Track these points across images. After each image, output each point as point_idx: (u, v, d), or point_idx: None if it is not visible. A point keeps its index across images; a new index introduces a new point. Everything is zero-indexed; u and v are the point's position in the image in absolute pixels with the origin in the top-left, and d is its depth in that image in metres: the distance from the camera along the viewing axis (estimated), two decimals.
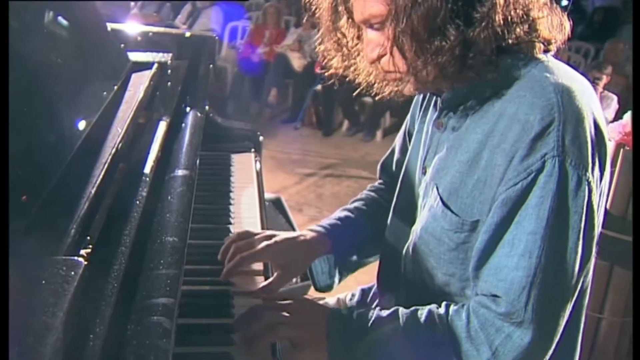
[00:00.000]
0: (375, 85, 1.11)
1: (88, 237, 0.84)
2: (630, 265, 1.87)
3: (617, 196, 1.90)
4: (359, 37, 1.10)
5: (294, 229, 2.62)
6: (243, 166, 1.87)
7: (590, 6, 7.54)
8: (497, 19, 0.93)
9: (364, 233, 1.32)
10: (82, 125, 1.03)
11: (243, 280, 1.26)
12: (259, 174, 1.84)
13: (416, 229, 1.14)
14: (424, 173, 1.15)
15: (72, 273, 0.69)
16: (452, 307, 1.01)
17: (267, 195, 2.08)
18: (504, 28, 0.94)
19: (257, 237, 1.26)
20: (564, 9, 1.04)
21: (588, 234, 0.94)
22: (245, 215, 1.57)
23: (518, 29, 0.96)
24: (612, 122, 2.40)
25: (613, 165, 1.90)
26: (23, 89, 0.89)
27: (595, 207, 0.95)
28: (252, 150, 1.98)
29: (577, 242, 0.93)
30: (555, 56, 1.05)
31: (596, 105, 1.00)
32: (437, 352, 0.98)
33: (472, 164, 1.01)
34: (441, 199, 1.06)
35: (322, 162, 5.30)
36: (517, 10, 0.95)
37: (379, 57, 1.03)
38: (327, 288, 1.34)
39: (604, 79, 4.76)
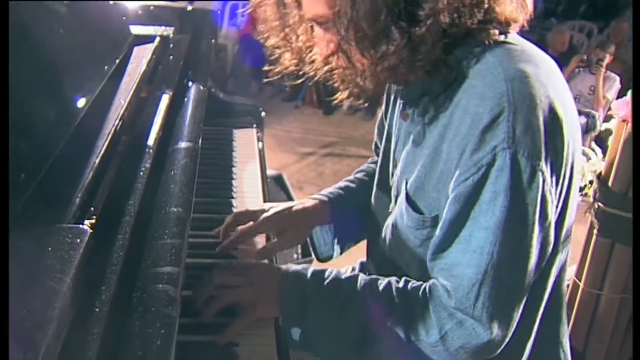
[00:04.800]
0: (336, 83, 1.05)
1: (92, 208, 0.84)
2: (631, 241, 1.87)
3: (619, 173, 1.89)
4: (312, 30, 1.06)
5: None
6: (245, 141, 1.87)
7: None
8: (443, 15, 0.89)
9: (364, 203, 1.31)
10: (85, 97, 1.02)
11: (245, 253, 1.26)
12: (261, 150, 1.84)
13: (388, 223, 1.13)
14: (395, 166, 1.14)
15: (78, 240, 0.70)
16: (411, 284, 1.00)
17: (269, 171, 2.08)
18: (452, 23, 0.90)
19: (256, 211, 1.26)
20: None
21: (544, 223, 0.92)
22: (247, 190, 1.58)
23: (469, 21, 0.91)
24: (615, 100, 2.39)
25: (616, 141, 1.90)
26: (25, 62, 0.88)
27: (548, 196, 0.91)
28: (254, 125, 1.97)
29: (532, 234, 0.91)
30: (520, 33, 1.01)
31: (557, 87, 0.95)
32: (389, 323, 0.97)
33: (434, 157, 0.98)
34: (407, 195, 1.04)
35: (323, 140, 5.30)
36: (466, 2, 0.90)
37: (330, 55, 1.00)
38: (328, 258, 1.35)
39: (607, 59, 4.73)
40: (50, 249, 0.67)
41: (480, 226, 0.90)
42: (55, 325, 0.57)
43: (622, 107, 1.84)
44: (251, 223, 1.24)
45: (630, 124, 1.82)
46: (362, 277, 1.02)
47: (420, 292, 0.98)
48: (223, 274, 1.06)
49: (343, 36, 0.92)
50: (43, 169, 0.78)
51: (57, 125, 0.90)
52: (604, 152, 2.02)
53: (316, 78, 1.08)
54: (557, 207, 0.95)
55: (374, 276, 1.03)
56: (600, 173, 1.99)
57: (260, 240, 1.32)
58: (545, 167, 0.89)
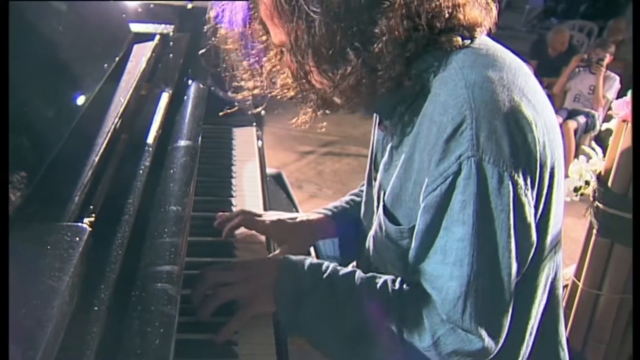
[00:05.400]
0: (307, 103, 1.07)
1: (91, 206, 0.84)
2: (631, 242, 1.87)
3: (618, 174, 1.89)
4: (282, 54, 1.07)
5: (294, 204, 2.62)
6: (245, 140, 1.86)
7: None
8: (398, 31, 0.88)
9: None
10: (84, 95, 1.02)
11: (245, 252, 1.26)
12: (260, 148, 1.84)
13: (370, 234, 1.14)
14: (375, 179, 1.14)
15: (77, 239, 0.70)
16: (407, 286, 0.99)
17: (268, 170, 2.08)
18: (409, 38, 0.90)
19: (261, 215, 1.28)
20: None
21: (521, 227, 0.91)
22: (246, 188, 1.57)
23: (429, 31, 0.91)
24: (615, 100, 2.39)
25: (616, 142, 1.90)
26: (24, 60, 0.88)
27: (523, 199, 0.89)
28: (254, 124, 1.97)
29: (509, 240, 0.89)
30: (489, 34, 1.00)
31: (524, 89, 0.93)
32: (383, 322, 0.96)
33: (407, 168, 0.98)
34: (384, 207, 1.04)
35: (323, 139, 5.29)
36: (422, 15, 0.90)
37: (302, 78, 1.00)
38: None
39: (607, 58, 4.72)
40: (49, 247, 0.67)
41: (453, 237, 0.90)
42: (54, 323, 0.57)
43: (623, 108, 1.84)
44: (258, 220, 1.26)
45: (630, 124, 1.81)
46: (359, 274, 1.02)
47: (414, 296, 0.97)
48: (218, 271, 1.06)
49: (300, 61, 0.94)
50: (42, 167, 0.78)
51: (56, 124, 0.89)
52: (604, 152, 2.02)
53: (285, 99, 1.10)
54: (537, 209, 0.94)
55: (370, 274, 1.03)
56: (600, 173, 1.99)
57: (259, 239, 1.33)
58: (514, 172, 0.88)
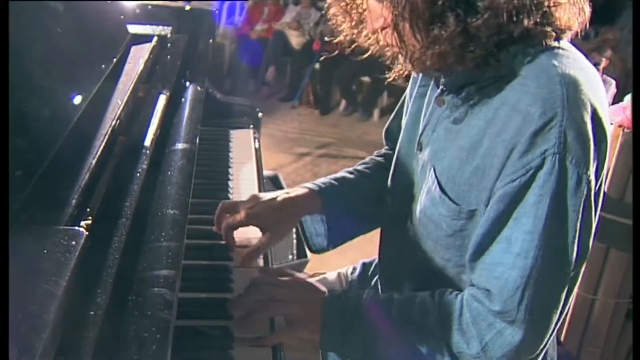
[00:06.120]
0: (386, 59, 1.07)
1: (88, 209, 0.83)
2: (626, 247, 1.88)
3: (615, 179, 1.90)
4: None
5: None
6: (242, 142, 1.86)
7: None
8: (502, 10, 0.88)
9: (363, 195, 1.29)
10: (81, 96, 1.02)
11: (242, 255, 1.26)
12: (257, 150, 1.84)
13: (415, 209, 1.12)
14: (420, 149, 1.12)
15: (74, 243, 0.69)
16: (446, 296, 1.00)
17: (265, 172, 2.08)
18: (510, 20, 0.90)
19: (241, 203, 1.25)
20: None
21: (584, 231, 0.92)
22: (243, 190, 1.57)
23: (527, 21, 0.90)
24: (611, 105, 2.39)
25: (612, 147, 1.91)
26: (22, 60, 0.88)
27: (593, 204, 0.92)
28: (251, 126, 1.97)
29: (574, 240, 0.91)
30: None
31: (601, 96, 0.96)
32: (427, 340, 0.97)
33: (471, 151, 0.98)
34: (439, 184, 1.03)
35: (319, 141, 5.30)
36: (525, 1, 0.90)
37: (380, 29, 1.00)
38: (323, 250, 1.32)
39: (604, 62, 4.73)
40: (45, 251, 0.67)
41: (522, 228, 0.91)
42: (51, 329, 0.57)
43: (619, 113, 1.85)
44: (236, 215, 1.22)
45: (627, 130, 1.82)
46: (396, 297, 1.02)
47: (457, 305, 0.98)
48: (270, 285, 1.06)
49: (399, 13, 0.92)
50: (39, 169, 0.78)
51: (53, 125, 0.89)
52: None
53: (369, 53, 1.10)
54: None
55: (408, 294, 1.03)
56: None
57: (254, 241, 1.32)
58: (592, 176, 0.90)
